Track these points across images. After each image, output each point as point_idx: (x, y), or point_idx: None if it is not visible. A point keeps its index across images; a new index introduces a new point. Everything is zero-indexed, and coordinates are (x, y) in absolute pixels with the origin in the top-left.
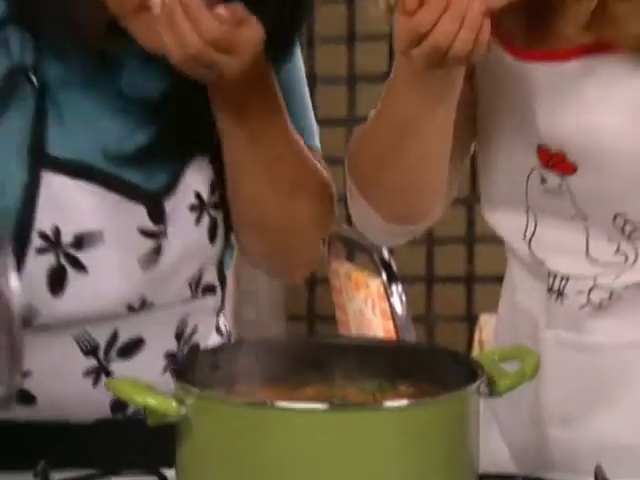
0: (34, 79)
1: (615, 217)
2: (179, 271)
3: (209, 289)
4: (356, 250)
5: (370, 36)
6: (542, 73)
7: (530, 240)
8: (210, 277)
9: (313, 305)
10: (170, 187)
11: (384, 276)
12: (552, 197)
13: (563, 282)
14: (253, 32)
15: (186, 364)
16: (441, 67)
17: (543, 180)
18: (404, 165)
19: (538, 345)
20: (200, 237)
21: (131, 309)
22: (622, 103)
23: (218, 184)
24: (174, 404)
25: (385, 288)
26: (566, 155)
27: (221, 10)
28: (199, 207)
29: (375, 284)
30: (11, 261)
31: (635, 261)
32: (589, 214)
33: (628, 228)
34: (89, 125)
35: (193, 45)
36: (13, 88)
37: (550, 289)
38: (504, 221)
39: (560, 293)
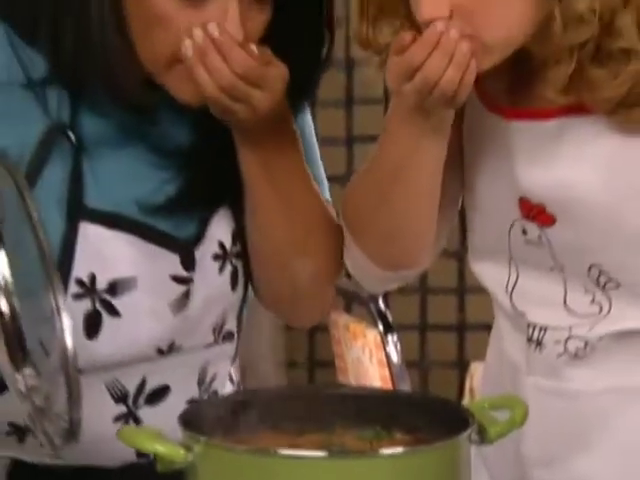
0: (72, 136)
1: (590, 268)
2: (204, 316)
3: (229, 336)
4: (354, 302)
5: (367, 100)
6: (523, 131)
7: (512, 292)
8: (230, 324)
9: (313, 352)
10: (199, 236)
11: (380, 327)
12: (532, 248)
13: (542, 332)
14: (281, 69)
15: (193, 412)
16: (429, 106)
17: (524, 232)
18: (393, 212)
19: (520, 391)
20: (223, 285)
21: (160, 352)
22: (596, 160)
23: (239, 234)
24: (181, 451)
25: (381, 338)
26: (546, 207)
27: (252, 46)
28: (222, 256)
29: (372, 334)
30: (64, 301)
31: (609, 311)
32: (566, 265)
33: (602, 279)
34: (123, 178)
35: (226, 78)
36: (52, 145)
37: (530, 339)
38: (488, 272)
39: (539, 343)
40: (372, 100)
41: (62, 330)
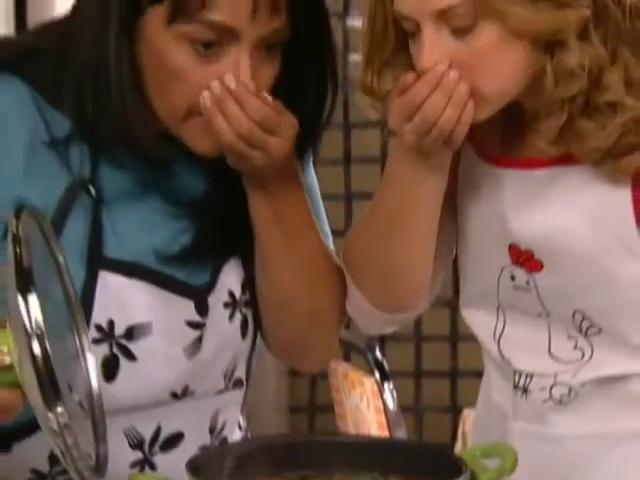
0: (92, 190)
1: (574, 313)
2: (216, 362)
3: (238, 383)
4: (352, 351)
5: (364, 159)
6: (514, 179)
7: (499, 339)
8: (240, 371)
9: (314, 398)
10: (211, 284)
11: (377, 375)
12: (520, 294)
13: (528, 380)
14: (292, 117)
15: (199, 459)
16: (428, 146)
17: (513, 277)
18: (392, 253)
19: (507, 436)
20: (233, 332)
21: (175, 396)
22: (584, 209)
23: (248, 284)
24: None
25: (378, 386)
26: (534, 253)
27: (266, 95)
28: (232, 304)
29: (369, 382)
30: (88, 342)
31: (591, 357)
32: (552, 310)
33: (585, 324)
34: (141, 229)
35: (244, 126)
36: (74, 199)
37: (516, 386)
38: (478, 319)
39: (525, 390)
40: (369, 159)
41: (87, 370)
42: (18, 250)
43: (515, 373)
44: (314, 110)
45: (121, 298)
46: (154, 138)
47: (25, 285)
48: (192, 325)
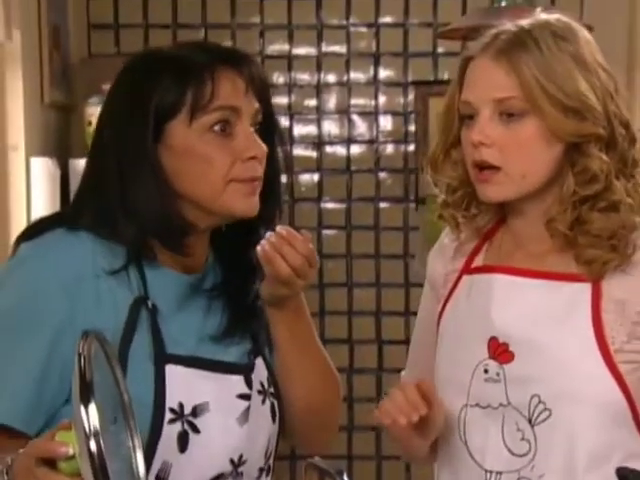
0: (149, 304)
1: (532, 397)
2: (259, 435)
3: (269, 470)
4: (325, 476)
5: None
6: (504, 283)
7: (465, 440)
8: (271, 457)
9: None
10: (251, 366)
11: None
12: (490, 385)
13: (497, 476)
14: (315, 251)
15: None
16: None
17: (486, 370)
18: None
19: None
20: (266, 414)
21: (232, 463)
22: (554, 311)
23: (272, 380)
24: None
25: None
26: (509, 345)
27: (304, 234)
28: (263, 392)
29: None
30: (139, 440)
31: (536, 448)
32: (512, 398)
33: (539, 409)
34: (189, 327)
35: (297, 260)
36: (138, 314)
37: None
38: (450, 424)
39: None
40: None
41: (138, 465)
42: (82, 366)
43: (486, 472)
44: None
45: (185, 384)
46: (187, 239)
47: (87, 396)
48: (242, 397)
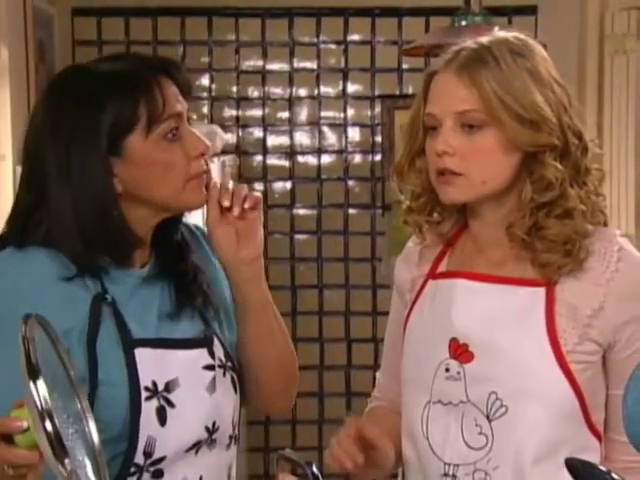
0: (109, 297)
1: (490, 394)
2: (226, 404)
3: (236, 438)
4: (297, 467)
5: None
6: (465, 287)
7: (427, 436)
8: (236, 427)
9: None
10: (211, 339)
11: None
12: (451, 383)
13: (455, 468)
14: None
15: None
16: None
17: (447, 369)
18: None
19: None
20: (228, 385)
21: (208, 431)
22: (510, 314)
23: (228, 356)
24: None
25: None
26: (469, 346)
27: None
28: (223, 367)
29: None
30: (88, 407)
31: (492, 442)
32: (471, 396)
33: (496, 405)
34: (148, 311)
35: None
36: (100, 308)
37: (446, 474)
38: (411, 417)
39: (454, 476)
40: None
41: (90, 429)
42: (27, 348)
43: (445, 464)
44: None
45: (155, 363)
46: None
47: (34, 373)
48: (207, 368)
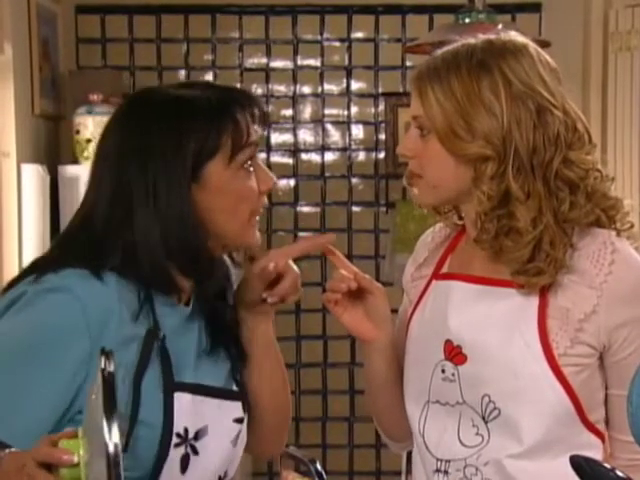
0: (160, 334)
1: (483, 397)
2: (240, 454)
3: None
4: (300, 463)
5: None
6: (459, 289)
7: (423, 432)
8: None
9: None
10: (246, 392)
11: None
12: (447, 385)
13: (446, 464)
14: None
15: None
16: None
17: (443, 371)
18: (373, 405)
19: None
20: (241, 436)
21: (219, 478)
22: (502, 315)
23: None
24: None
25: None
26: (462, 348)
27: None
28: (241, 420)
29: None
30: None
31: (488, 441)
32: (467, 397)
33: (489, 408)
34: (191, 354)
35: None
36: (152, 345)
37: (438, 470)
38: (411, 413)
39: (446, 472)
40: None
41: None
42: (109, 381)
43: (437, 460)
44: None
45: (191, 410)
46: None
47: (111, 413)
48: (237, 421)
